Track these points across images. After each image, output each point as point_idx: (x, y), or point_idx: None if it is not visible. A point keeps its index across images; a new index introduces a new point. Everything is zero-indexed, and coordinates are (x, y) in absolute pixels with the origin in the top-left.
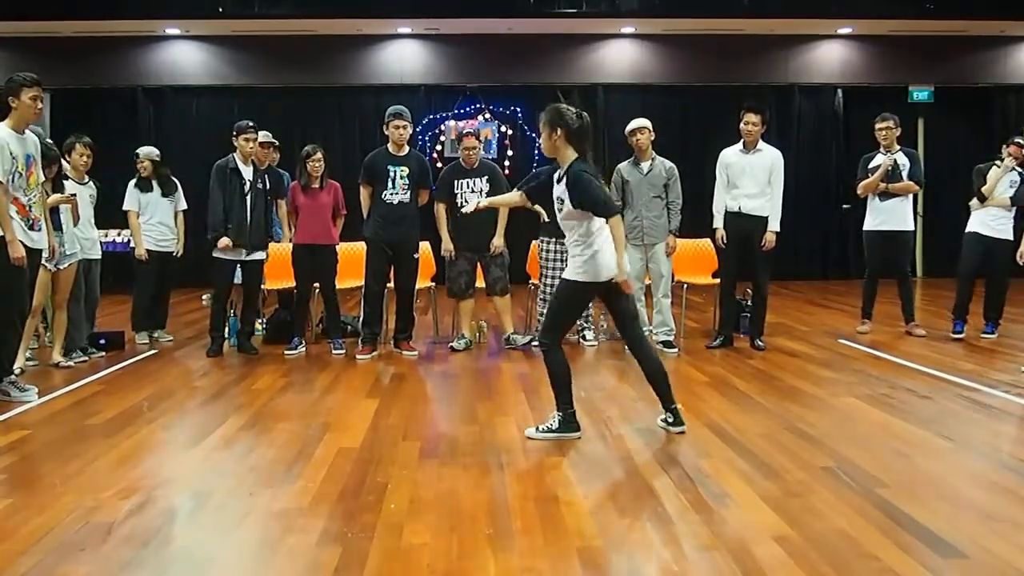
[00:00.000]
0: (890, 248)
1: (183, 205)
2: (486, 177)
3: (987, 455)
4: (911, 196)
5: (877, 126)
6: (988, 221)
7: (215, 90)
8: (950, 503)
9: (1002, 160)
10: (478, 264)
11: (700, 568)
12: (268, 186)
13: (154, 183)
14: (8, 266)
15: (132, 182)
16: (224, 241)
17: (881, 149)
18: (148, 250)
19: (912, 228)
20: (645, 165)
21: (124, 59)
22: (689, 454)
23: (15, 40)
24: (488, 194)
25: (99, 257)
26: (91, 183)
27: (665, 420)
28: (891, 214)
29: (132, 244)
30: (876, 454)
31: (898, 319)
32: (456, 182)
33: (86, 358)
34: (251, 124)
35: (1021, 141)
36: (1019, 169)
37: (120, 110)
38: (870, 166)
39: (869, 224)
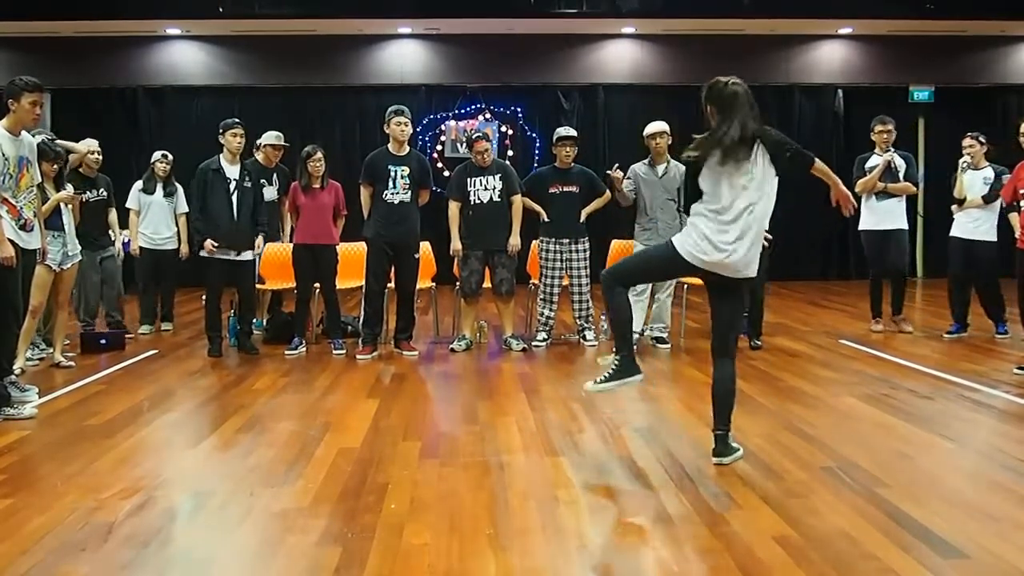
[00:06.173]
0: (888, 247)
1: (184, 207)
2: (499, 175)
3: (987, 455)
4: (905, 197)
5: (878, 128)
6: (967, 224)
7: (215, 90)
8: (950, 503)
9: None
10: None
11: (700, 568)
12: (255, 184)
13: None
14: None
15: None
16: (208, 244)
17: (877, 150)
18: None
19: (907, 227)
20: (660, 168)
21: (124, 59)
22: (689, 454)
23: (15, 40)
24: (501, 191)
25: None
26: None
27: (717, 453)
28: (887, 214)
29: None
30: (876, 454)
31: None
32: (469, 180)
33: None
34: (237, 120)
35: (976, 135)
36: (995, 166)
37: (120, 110)
38: (867, 165)
39: (866, 224)
